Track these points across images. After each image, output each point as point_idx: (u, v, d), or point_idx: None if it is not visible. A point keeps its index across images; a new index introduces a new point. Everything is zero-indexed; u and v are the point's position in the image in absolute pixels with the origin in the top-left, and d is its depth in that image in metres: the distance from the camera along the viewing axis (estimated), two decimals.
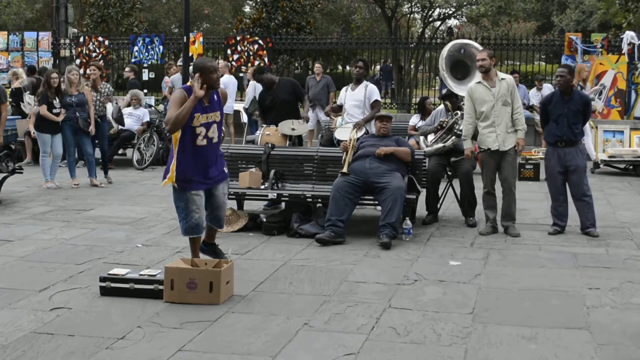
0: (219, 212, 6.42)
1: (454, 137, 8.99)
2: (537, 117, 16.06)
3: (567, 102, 8.21)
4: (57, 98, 11.31)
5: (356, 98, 9.45)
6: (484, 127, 8.22)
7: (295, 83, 10.75)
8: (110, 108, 11.66)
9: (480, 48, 9.88)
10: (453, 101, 9.47)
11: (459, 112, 9.17)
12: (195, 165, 6.15)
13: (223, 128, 6.34)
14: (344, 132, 9.17)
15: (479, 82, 8.31)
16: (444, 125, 9.14)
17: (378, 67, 30.32)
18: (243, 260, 6.99)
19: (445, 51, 9.77)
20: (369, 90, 9.47)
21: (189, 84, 6.36)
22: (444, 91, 10.49)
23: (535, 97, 16.13)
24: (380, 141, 8.41)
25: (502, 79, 8.25)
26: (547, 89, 15.99)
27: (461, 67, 9.77)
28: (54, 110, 11.27)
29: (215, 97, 6.22)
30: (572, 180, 8.28)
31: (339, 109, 9.83)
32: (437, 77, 23.32)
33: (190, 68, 15.45)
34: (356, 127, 9.09)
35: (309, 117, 10.87)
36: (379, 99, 9.71)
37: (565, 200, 8.39)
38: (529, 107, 16.67)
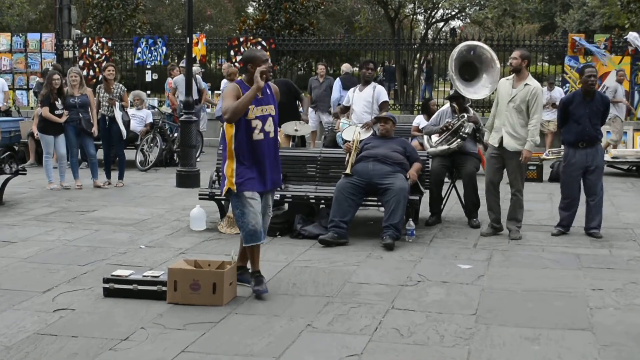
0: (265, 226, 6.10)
1: (459, 140, 8.95)
2: (542, 118, 16.11)
3: (589, 103, 8.21)
4: (59, 99, 11.31)
5: (364, 99, 9.45)
6: (494, 123, 8.21)
7: (289, 83, 10.76)
8: (118, 112, 11.61)
9: (491, 51, 9.82)
10: (460, 103, 9.37)
11: (466, 115, 9.13)
12: (253, 162, 5.86)
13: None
14: (351, 132, 9.16)
15: (508, 79, 8.24)
16: (450, 127, 9.09)
17: (379, 68, 30.31)
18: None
19: (455, 52, 9.70)
20: (377, 91, 9.47)
21: (239, 77, 6.27)
22: (451, 92, 10.44)
23: (543, 96, 16.11)
24: (385, 143, 8.40)
25: (527, 84, 8.03)
26: (558, 92, 16.04)
27: (469, 69, 9.71)
28: (56, 112, 11.27)
29: (268, 90, 6.00)
30: (590, 180, 8.27)
31: (346, 110, 9.82)
32: (421, 77, 23.31)
33: (194, 69, 15.48)
34: (365, 127, 9.08)
35: (307, 118, 10.87)
36: (387, 99, 9.71)
37: (577, 203, 8.38)
38: None
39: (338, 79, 15.18)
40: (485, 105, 17.43)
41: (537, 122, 8.05)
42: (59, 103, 11.28)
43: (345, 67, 15.92)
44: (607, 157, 13.80)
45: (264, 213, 6.04)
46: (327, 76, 15.71)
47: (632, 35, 16.72)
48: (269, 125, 5.91)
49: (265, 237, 6.10)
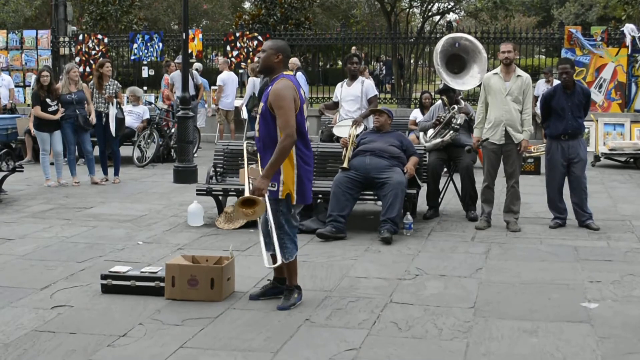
0: (271, 236, 5.55)
1: (451, 132, 8.98)
2: (539, 111, 16.12)
3: (570, 96, 8.23)
4: (50, 96, 11.23)
5: (353, 94, 9.42)
6: (490, 120, 8.21)
7: None
8: (113, 110, 11.59)
9: (474, 40, 9.90)
10: (450, 96, 9.45)
11: (456, 107, 9.18)
12: None
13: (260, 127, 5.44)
14: (342, 129, 9.16)
15: (496, 73, 8.27)
16: (441, 120, 9.14)
17: (377, 62, 30.25)
18: (244, 257, 6.99)
19: (439, 46, 9.77)
20: (366, 86, 9.44)
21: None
22: (440, 86, 10.46)
23: (540, 88, 16.11)
24: (381, 137, 8.41)
25: (519, 75, 8.19)
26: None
27: (457, 61, 9.75)
28: (50, 109, 11.20)
29: (269, 88, 5.48)
30: (574, 173, 8.30)
31: (334, 106, 9.81)
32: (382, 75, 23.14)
33: (195, 65, 15.49)
34: (355, 123, 9.07)
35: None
36: (376, 94, 9.69)
37: (561, 193, 8.40)
38: None
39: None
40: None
41: (531, 111, 8.26)
42: (50, 100, 11.21)
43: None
44: (604, 150, 13.83)
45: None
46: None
47: (628, 27, 16.69)
48: (257, 124, 5.56)
49: (276, 250, 5.52)
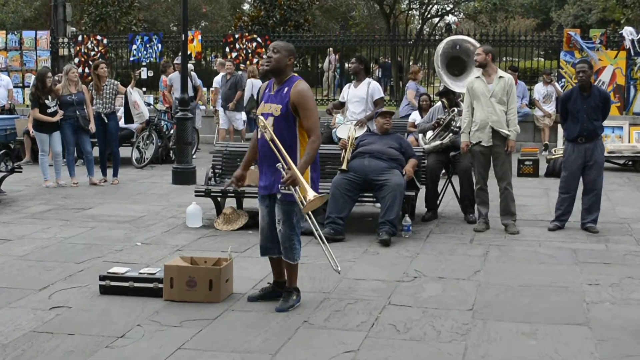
0: (279, 240, 5.69)
1: (451, 135, 8.98)
2: (537, 113, 16.15)
3: (587, 98, 8.22)
4: (49, 98, 11.22)
5: (358, 95, 9.42)
6: (477, 122, 8.23)
7: None
8: (135, 95, 11.81)
9: (476, 43, 9.92)
10: (450, 98, 9.48)
11: (456, 109, 9.19)
12: (261, 160, 5.61)
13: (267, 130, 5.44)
14: (345, 130, 9.15)
15: (478, 77, 8.32)
16: (441, 122, 9.14)
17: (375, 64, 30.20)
18: (242, 258, 6.99)
19: (440, 48, 9.79)
20: (372, 88, 9.43)
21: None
22: (440, 88, 10.46)
23: (539, 92, 16.10)
24: (381, 139, 8.41)
25: (501, 77, 8.23)
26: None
27: (458, 63, 9.77)
28: (49, 110, 11.20)
29: (285, 89, 5.47)
30: (590, 176, 8.28)
31: (340, 106, 9.80)
32: (336, 73, 23.09)
33: (189, 66, 15.47)
34: (359, 124, 9.07)
35: None
36: (382, 96, 9.69)
37: (574, 198, 8.39)
38: (529, 104, 16.66)
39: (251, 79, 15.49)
40: None
41: (515, 111, 8.29)
42: (49, 101, 11.20)
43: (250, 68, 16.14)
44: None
45: (273, 225, 5.67)
46: (235, 73, 15.79)
47: (627, 30, 16.70)
48: (271, 126, 5.44)
49: (284, 254, 5.69)
